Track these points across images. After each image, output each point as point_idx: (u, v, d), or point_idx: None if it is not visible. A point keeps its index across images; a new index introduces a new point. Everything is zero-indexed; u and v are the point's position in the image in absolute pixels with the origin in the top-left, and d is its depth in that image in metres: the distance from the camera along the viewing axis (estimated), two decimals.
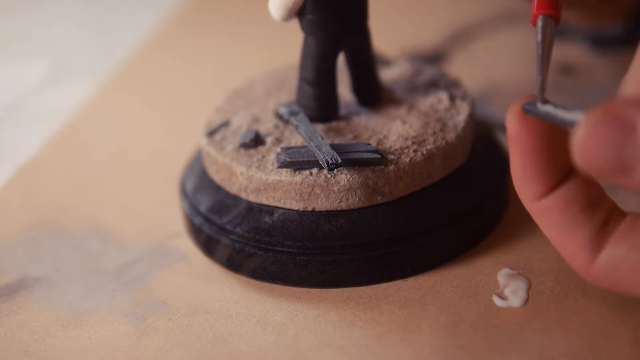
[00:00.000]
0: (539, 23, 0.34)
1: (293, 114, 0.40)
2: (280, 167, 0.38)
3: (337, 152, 0.37)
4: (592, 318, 0.35)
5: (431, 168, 0.39)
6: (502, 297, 0.36)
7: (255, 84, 0.45)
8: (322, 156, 0.37)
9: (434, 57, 0.58)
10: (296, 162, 0.38)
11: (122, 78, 0.60)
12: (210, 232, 0.40)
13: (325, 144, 0.38)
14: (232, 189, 0.40)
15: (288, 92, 0.44)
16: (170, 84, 0.59)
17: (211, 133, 0.41)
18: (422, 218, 0.38)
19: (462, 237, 0.39)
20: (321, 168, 0.38)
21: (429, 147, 0.39)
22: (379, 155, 0.37)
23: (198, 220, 0.41)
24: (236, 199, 0.40)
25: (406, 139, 0.39)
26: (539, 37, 0.34)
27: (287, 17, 0.39)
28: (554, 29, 0.34)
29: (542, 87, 0.33)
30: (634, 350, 0.33)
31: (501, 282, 0.37)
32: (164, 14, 0.70)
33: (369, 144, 0.38)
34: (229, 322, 0.37)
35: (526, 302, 0.36)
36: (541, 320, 0.35)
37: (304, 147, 0.39)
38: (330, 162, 0.37)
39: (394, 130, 0.40)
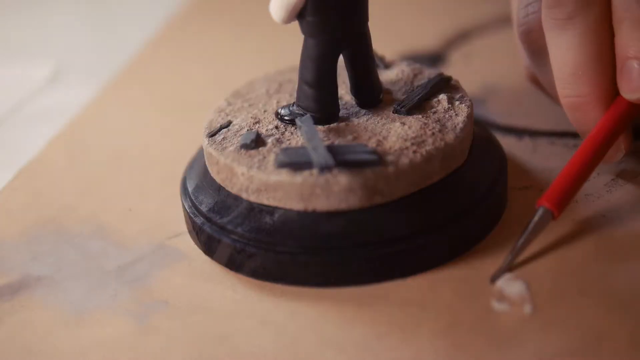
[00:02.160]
0: (538, 212, 0.38)
1: (299, 115, 0.41)
2: (277, 167, 0.38)
3: (334, 154, 0.38)
4: (590, 318, 0.35)
5: (430, 169, 0.39)
6: (500, 300, 0.37)
7: (256, 85, 0.45)
8: (315, 158, 0.37)
9: (433, 59, 0.58)
10: (293, 162, 0.38)
11: (124, 79, 0.60)
12: (211, 232, 0.40)
13: (322, 146, 0.38)
14: (233, 189, 0.40)
15: (289, 94, 0.44)
16: (171, 84, 0.59)
17: (212, 134, 0.42)
18: (422, 218, 0.38)
19: (461, 238, 0.39)
20: None
21: (428, 148, 0.39)
22: (375, 157, 0.38)
23: (199, 220, 0.41)
24: (237, 199, 0.40)
25: (405, 140, 0.39)
26: (531, 225, 0.37)
27: (288, 19, 0.39)
28: (547, 223, 0.38)
29: (506, 265, 0.37)
30: (633, 349, 0.34)
31: (499, 285, 0.37)
32: (166, 15, 0.70)
33: (366, 145, 0.39)
34: (230, 322, 0.37)
35: (525, 303, 0.36)
36: (540, 320, 0.35)
37: (302, 148, 0.39)
38: (322, 164, 0.37)
39: (394, 132, 0.40)
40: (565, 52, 0.40)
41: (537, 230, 0.37)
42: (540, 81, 0.45)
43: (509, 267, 0.37)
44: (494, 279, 0.37)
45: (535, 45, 0.43)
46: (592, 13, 0.39)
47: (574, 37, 0.40)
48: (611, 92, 0.40)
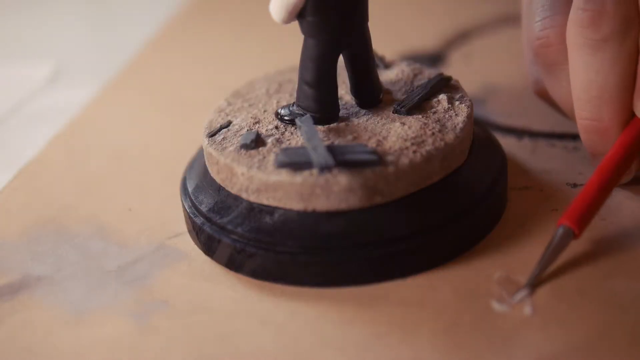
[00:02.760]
0: (559, 231, 0.37)
1: (299, 115, 0.41)
2: (277, 167, 0.38)
3: (334, 154, 0.38)
4: (590, 317, 0.35)
5: (430, 169, 0.39)
6: (500, 300, 0.37)
7: (256, 85, 0.45)
8: (315, 158, 0.37)
9: (433, 59, 0.58)
10: (292, 162, 0.38)
11: (124, 79, 0.60)
12: (211, 232, 0.40)
13: (321, 146, 0.38)
14: (233, 189, 0.40)
15: (289, 94, 0.44)
16: (171, 84, 0.59)
17: (212, 134, 0.42)
18: (422, 218, 0.38)
19: (461, 238, 0.39)
20: None
21: (428, 148, 0.39)
22: (375, 157, 0.38)
23: (199, 220, 0.41)
24: (237, 199, 0.40)
25: (405, 140, 0.39)
26: (553, 244, 0.37)
27: (288, 19, 0.39)
28: (568, 242, 0.37)
29: (530, 286, 0.37)
30: (632, 349, 0.34)
31: (499, 286, 0.37)
32: (166, 15, 0.71)
33: (366, 145, 0.39)
34: (230, 322, 0.37)
35: (524, 303, 0.36)
36: (539, 320, 0.35)
37: (302, 148, 0.39)
38: (322, 164, 0.37)
39: (393, 132, 0.40)
40: (594, 74, 0.39)
41: (558, 250, 0.37)
42: (552, 96, 0.44)
43: (531, 286, 0.37)
44: (514, 298, 0.36)
45: (551, 60, 0.42)
46: (630, 37, 0.38)
47: (605, 60, 0.39)
48: (631, 114, 0.40)
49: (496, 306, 0.36)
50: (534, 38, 0.42)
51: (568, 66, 0.41)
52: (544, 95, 0.45)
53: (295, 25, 0.40)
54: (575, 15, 0.39)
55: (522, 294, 0.36)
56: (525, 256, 0.38)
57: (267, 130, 0.41)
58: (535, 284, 0.37)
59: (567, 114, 0.43)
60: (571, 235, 0.37)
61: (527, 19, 0.44)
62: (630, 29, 0.38)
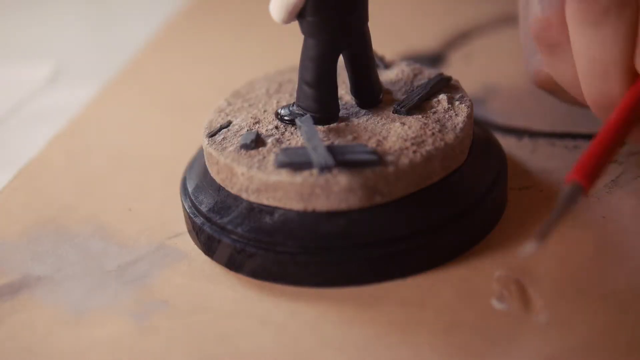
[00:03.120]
0: (567, 188, 0.35)
1: (299, 115, 0.41)
2: (277, 167, 0.38)
3: (334, 154, 0.38)
4: (589, 318, 0.35)
5: (430, 169, 0.39)
6: (500, 300, 0.37)
7: (256, 85, 0.45)
8: (315, 158, 0.37)
9: (433, 59, 0.58)
10: (293, 162, 0.38)
11: (124, 79, 0.60)
12: (211, 232, 0.40)
13: (321, 146, 0.38)
14: (233, 189, 0.40)
15: (289, 94, 0.44)
16: (171, 84, 0.59)
17: (212, 134, 0.42)
18: (421, 218, 0.38)
19: (460, 238, 0.39)
20: None
21: (428, 148, 0.39)
22: (375, 157, 0.38)
23: (199, 220, 0.41)
24: (237, 199, 0.40)
25: (405, 140, 0.39)
26: (561, 201, 0.35)
27: (288, 19, 0.39)
28: (578, 199, 0.35)
29: (540, 238, 0.34)
30: (632, 349, 0.34)
31: (499, 285, 0.37)
32: (166, 15, 0.71)
33: (366, 145, 0.39)
34: (230, 322, 0.37)
35: (524, 303, 0.36)
36: (539, 320, 0.35)
37: (302, 148, 0.39)
38: (322, 164, 0.37)
39: (393, 132, 0.40)
40: (597, 49, 0.38)
41: (568, 205, 0.35)
42: (558, 80, 0.43)
43: (542, 238, 0.34)
44: (520, 254, 0.35)
45: (553, 42, 0.41)
46: (629, 6, 0.38)
47: (608, 34, 0.38)
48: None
49: (496, 306, 0.36)
50: (534, 22, 0.41)
51: (571, 46, 0.40)
52: (546, 85, 0.44)
53: (295, 25, 0.40)
54: None
55: (532, 246, 0.34)
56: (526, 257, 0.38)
57: (267, 130, 0.41)
58: (545, 236, 0.34)
59: (574, 97, 0.42)
60: (580, 190, 0.35)
61: (524, 9, 0.44)
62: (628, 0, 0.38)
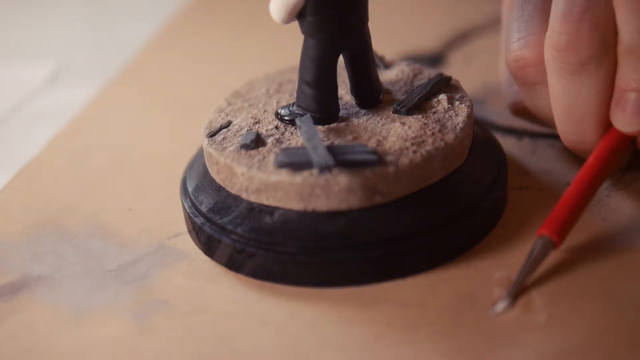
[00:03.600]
0: (539, 242, 0.37)
1: (299, 115, 0.41)
2: (277, 167, 0.38)
3: (334, 154, 0.38)
4: (589, 317, 0.35)
5: (430, 169, 0.39)
6: (500, 300, 0.37)
7: (256, 85, 0.45)
8: (315, 158, 0.37)
9: (433, 59, 0.58)
10: (293, 162, 0.38)
11: (124, 79, 0.60)
12: (211, 232, 0.40)
13: (321, 146, 0.38)
14: (233, 189, 0.40)
15: (289, 94, 0.44)
16: (171, 84, 0.59)
17: (212, 134, 0.42)
18: (421, 218, 0.38)
19: (460, 238, 0.39)
20: None
21: (428, 148, 0.39)
22: (375, 157, 0.38)
23: (199, 220, 0.41)
24: (237, 199, 0.40)
25: (405, 140, 0.39)
26: (533, 254, 0.37)
27: (288, 19, 0.39)
28: (548, 252, 0.37)
29: (511, 295, 0.36)
30: (632, 349, 0.34)
31: (499, 286, 0.37)
32: (166, 15, 0.71)
33: (366, 145, 0.39)
34: (230, 322, 0.37)
35: (524, 303, 0.36)
36: (539, 320, 0.35)
37: (302, 148, 0.39)
38: (322, 164, 0.37)
39: (393, 132, 0.40)
40: (573, 97, 0.39)
41: (538, 260, 0.37)
42: (535, 114, 0.43)
43: (513, 296, 0.36)
44: (495, 308, 0.36)
45: (530, 80, 0.41)
46: (607, 60, 0.38)
47: (584, 84, 0.38)
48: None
49: (496, 306, 0.36)
50: (512, 60, 0.41)
51: (547, 86, 0.40)
52: (524, 114, 0.45)
53: (295, 25, 0.40)
54: (552, 38, 0.38)
55: (503, 304, 0.36)
56: (525, 256, 0.38)
57: (267, 130, 0.41)
58: (516, 294, 0.36)
59: (550, 127, 0.43)
60: (551, 245, 0.37)
61: (505, 41, 0.43)
62: (608, 51, 0.38)
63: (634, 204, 0.41)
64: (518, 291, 0.36)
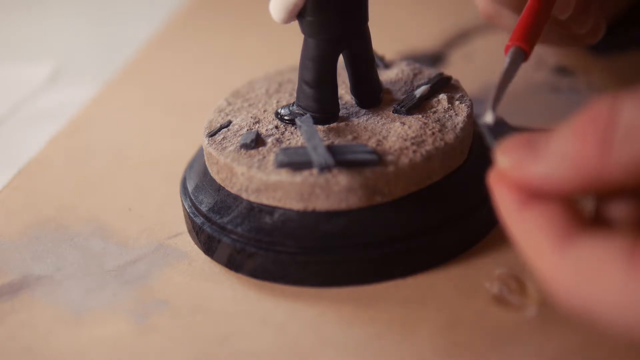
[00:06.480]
0: (510, 53, 0.38)
1: (299, 114, 0.41)
2: (277, 167, 0.38)
3: (334, 153, 0.38)
4: None
5: (430, 168, 0.39)
6: (500, 298, 0.37)
7: (256, 85, 0.45)
8: (315, 158, 0.37)
9: (433, 59, 0.58)
10: (292, 162, 0.38)
11: (124, 79, 0.60)
12: (211, 232, 0.40)
13: (321, 146, 0.38)
14: (233, 189, 0.40)
15: (289, 94, 0.44)
16: (171, 84, 0.59)
17: (212, 133, 0.42)
18: (421, 218, 0.38)
19: (460, 237, 0.39)
20: None
21: (428, 147, 0.39)
22: (375, 157, 0.38)
23: (199, 220, 0.41)
24: (237, 199, 0.40)
25: (405, 140, 0.39)
26: (505, 65, 0.37)
27: (288, 19, 0.39)
28: (520, 62, 0.38)
29: (493, 107, 0.35)
30: (632, 349, 0.34)
31: (499, 283, 0.37)
32: (166, 15, 0.71)
33: (366, 145, 0.39)
34: (230, 321, 0.37)
35: (524, 302, 0.36)
36: (539, 320, 0.35)
37: (302, 148, 0.39)
38: (322, 163, 0.37)
39: (394, 131, 0.40)
40: None
41: (511, 70, 0.37)
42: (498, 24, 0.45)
43: (493, 109, 0.35)
44: (480, 120, 0.35)
45: None
46: None
47: None
48: None
49: (496, 305, 0.36)
50: None
51: None
52: (491, 19, 0.46)
53: (295, 25, 0.40)
54: None
55: (489, 116, 0.35)
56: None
57: (267, 130, 0.41)
58: (495, 107, 0.36)
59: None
60: (522, 54, 0.38)
61: None
62: None
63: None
64: (497, 100, 0.36)
